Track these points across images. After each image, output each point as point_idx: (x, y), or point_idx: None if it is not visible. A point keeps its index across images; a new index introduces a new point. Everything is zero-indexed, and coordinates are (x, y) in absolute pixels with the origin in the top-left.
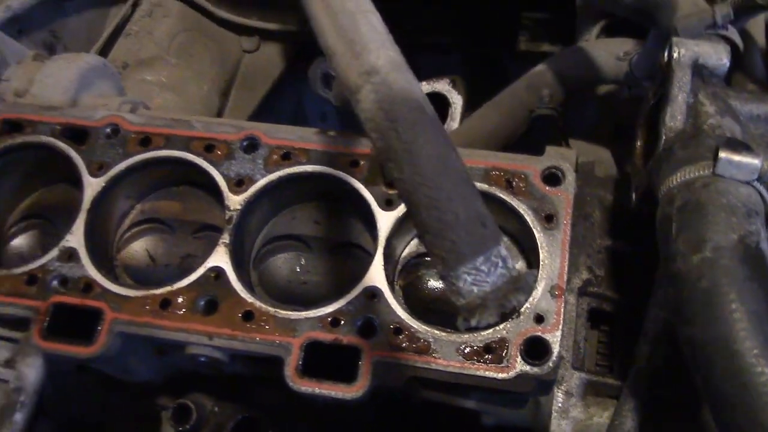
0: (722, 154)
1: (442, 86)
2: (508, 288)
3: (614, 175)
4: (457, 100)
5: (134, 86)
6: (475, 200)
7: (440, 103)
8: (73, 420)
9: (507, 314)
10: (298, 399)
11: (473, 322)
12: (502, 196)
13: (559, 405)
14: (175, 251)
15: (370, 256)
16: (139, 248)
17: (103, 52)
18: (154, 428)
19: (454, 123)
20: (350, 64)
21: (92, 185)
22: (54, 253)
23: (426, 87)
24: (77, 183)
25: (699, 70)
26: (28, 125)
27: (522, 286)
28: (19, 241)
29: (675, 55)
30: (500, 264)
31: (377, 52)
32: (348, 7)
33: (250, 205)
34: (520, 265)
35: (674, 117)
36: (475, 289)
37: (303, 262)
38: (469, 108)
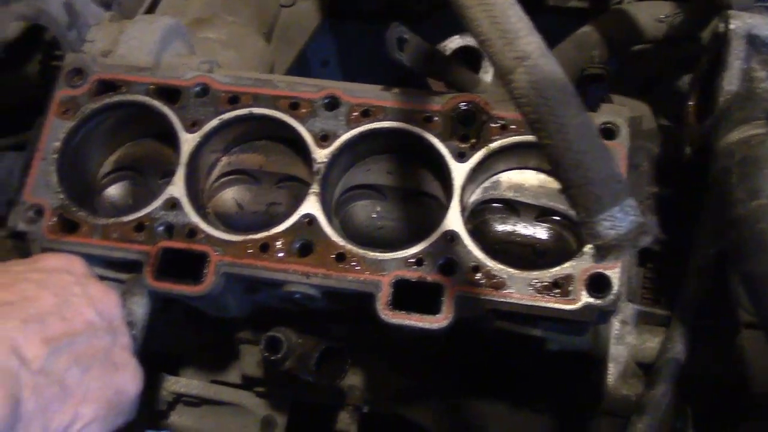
0: None
1: (474, 40)
2: (638, 231)
3: (656, 127)
4: None
5: (199, 44)
6: (611, 161)
7: (472, 56)
8: (152, 354)
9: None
10: (369, 332)
11: (609, 259)
12: None
13: (616, 332)
14: (261, 200)
15: (439, 203)
16: (227, 197)
17: (152, 7)
18: (232, 358)
19: (486, 76)
20: (504, 50)
21: (188, 140)
22: (158, 202)
23: (458, 41)
24: (168, 138)
25: (752, 40)
26: (122, 85)
27: (647, 230)
28: (112, 191)
29: (731, 26)
30: (631, 212)
31: (527, 39)
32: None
33: (334, 158)
34: None
35: (730, 82)
36: (612, 232)
37: (378, 209)
38: None
